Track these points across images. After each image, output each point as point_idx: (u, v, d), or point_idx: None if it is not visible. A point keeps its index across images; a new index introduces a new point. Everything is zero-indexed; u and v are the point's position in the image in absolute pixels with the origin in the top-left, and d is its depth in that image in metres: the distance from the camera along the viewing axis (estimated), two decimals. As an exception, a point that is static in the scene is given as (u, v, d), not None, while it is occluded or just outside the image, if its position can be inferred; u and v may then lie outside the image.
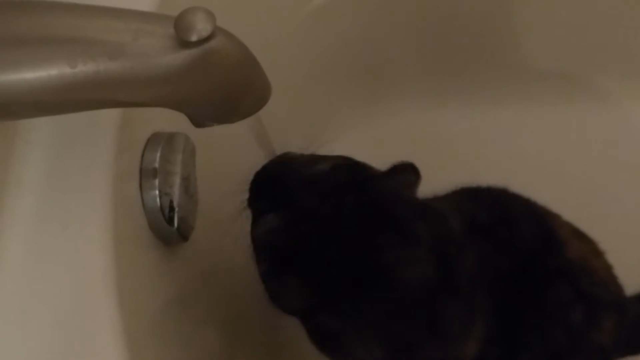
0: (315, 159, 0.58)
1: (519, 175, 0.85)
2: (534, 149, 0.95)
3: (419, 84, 0.98)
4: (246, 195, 0.58)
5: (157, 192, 0.55)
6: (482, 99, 0.97)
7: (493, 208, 0.67)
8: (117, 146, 0.52)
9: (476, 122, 0.97)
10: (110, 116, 0.52)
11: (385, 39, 0.95)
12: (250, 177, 0.58)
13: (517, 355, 0.62)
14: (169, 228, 0.56)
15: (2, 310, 0.46)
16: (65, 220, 0.49)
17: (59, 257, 0.48)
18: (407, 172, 0.57)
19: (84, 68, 0.39)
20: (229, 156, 0.68)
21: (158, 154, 0.55)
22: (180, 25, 0.38)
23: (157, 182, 0.55)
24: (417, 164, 0.58)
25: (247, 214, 0.58)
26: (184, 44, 0.39)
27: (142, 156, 0.55)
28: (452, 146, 0.94)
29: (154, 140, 0.56)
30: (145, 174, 0.55)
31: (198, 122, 0.45)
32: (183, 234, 0.58)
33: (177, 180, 0.57)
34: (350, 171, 0.57)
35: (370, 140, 0.96)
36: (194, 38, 0.38)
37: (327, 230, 0.54)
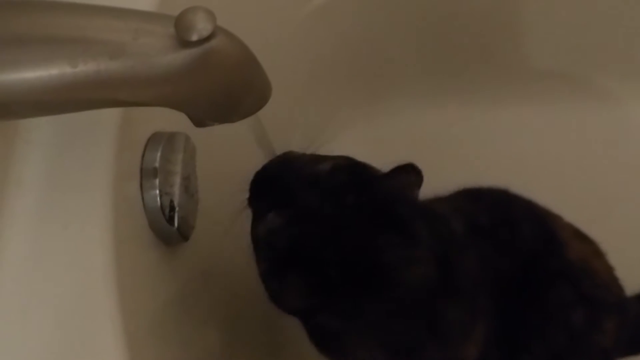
0: (317, 158, 0.58)
1: (519, 175, 0.85)
2: (534, 149, 0.95)
3: (419, 84, 0.98)
4: (247, 195, 0.58)
5: (157, 191, 0.55)
6: (482, 98, 0.97)
7: (494, 210, 0.67)
8: (117, 146, 0.52)
9: (476, 122, 0.97)
10: (110, 116, 0.52)
11: (385, 39, 0.95)
12: (251, 177, 0.58)
13: (518, 357, 0.62)
14: (170, 228, 0.56)
15: (2, 310, 0.46)
16: (66, 219, 0.49)
17: (60, 256, 0.48)
18: (409, 173, 0.57)
19: (85, 67, 0.39)
20: (230, 156, 0.68)
21: (158, 154, 0.55)
22: (180, 25, 0.38)
23: (157, 181, 0.55)
24: (417, 163, 0.58)
25: (248, 213, 0.58)
26: (185, 43, 0.39)
27: (143, 156, 0.55)
28: (452, 146, 0.94)
29: (154, 139, 0.56)
30: (146, 173, 0.55)
31: (198, 122, 0.45)
32: (183, 234, 0.58)
33: (177, 180, 0.57)
34: (351, 171, 0.57)
35: (370, 140, 0.96)
36: (194, 38, 0.38)
37: (328, 230, 0.54)
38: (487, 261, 0.61)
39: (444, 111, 0.98)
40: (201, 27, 0.38)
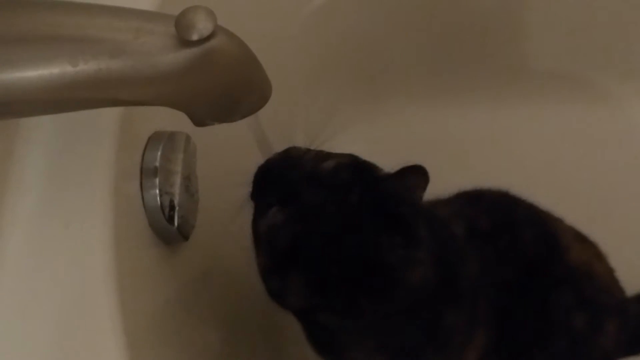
0: (321, 156, 0.57)
1: (519, 175, 0.85)
2: (534, 149, 0.95)
3: (419, 84, 0.98)
4: (249, 189, 0.57)
5: (157, 191, 0.55)
6: (482, 98, 0.97)
7: (495, 213, 0.67)
8: (118, 145, 0.52)
9: (476, 122, 0.97)
10: (111, 115, 0.52)
11: (386, 39, 0.95)
12: (254, 171, 0.58)
13: None
14: (170, 227, 0.56)
15: (2, 308, 0.46)
16: (66, 218, 0.49)
17: (60, 255, 0.48)
18: (416, 175, 0.56)
19: (85, 66, 0.39)
20: (230, 155, 0.68)
21: (159, 153, 0.55)
22: (181, 24, 0.38)
23: (157, 181, 0.55)
24: (418, 163, 0.58)
25: (248, 211, 0.57)
26: (185, 42, 0.39)
27: (143, 155, 0.55)
28: (452, 146, 0.94)
29: (155, 139, 0.56)
30: (146, 172, 0.55)
31: (199, 121, 0.45)
32: (183, 233, 0.58)
33: (177, 180, 0.57)
34: (355, 170, 0.56)
35: (370, 139, 0.96)
36: (194, 37, 0.38)
37: (330, 228, 0.53)
38: (488, 265, 0.61)
39: (444, 111, 0.98)
40: (201, 26, 0.38)
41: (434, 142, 0.94)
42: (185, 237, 0.58)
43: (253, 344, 0.75)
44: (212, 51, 0.39)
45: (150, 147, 0.56)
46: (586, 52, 0.95)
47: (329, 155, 0.58)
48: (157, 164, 0.55)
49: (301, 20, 0.86)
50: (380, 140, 0.97)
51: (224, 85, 0.42)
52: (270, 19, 0.80)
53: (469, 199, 0.69)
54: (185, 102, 0.43)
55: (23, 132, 0.51)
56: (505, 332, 0.61)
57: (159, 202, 0.55)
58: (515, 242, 0.64)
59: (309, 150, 0.59)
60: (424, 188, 0.57)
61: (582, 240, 0.69)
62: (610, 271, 0.69)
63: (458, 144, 0.95)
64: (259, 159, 0.58)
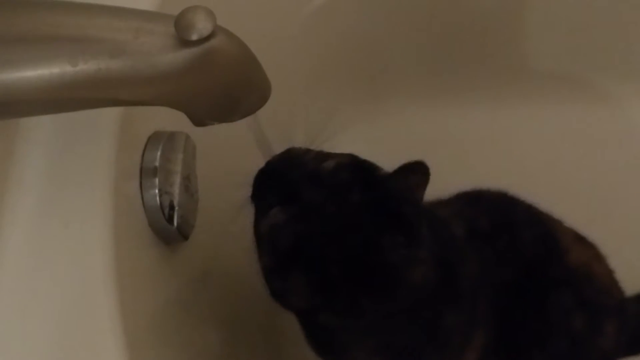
0: (321, 156, 0.57)
1: (519, 175, 0.85)
2: (534, 149, 0.95)
3: (419, 84, 0.98)
4: (249, 190, 0.57)
5: (157, 190, 0.55)
6: (482, 98, 0.97)
7: (495, 214, 0.67)
8: (117, 145, 0.52)
9: (476, 122, 0.97)
10: (111, 115, 0.52)
11: (386, 39, 0.95)
12: (254, 172, 0.58)
13: None
14: (169, 227, 0.56)
15: (2, 308, 0.46)
16: (66, 218, 0.49)
17: (60, 255, 0.48)
18: (417, 172, 0.56)
19: (85, 66, 0.39)
20: (230, 155, 0.68)
21: (159, 153, 0.55)
22: (180, 24, 0.38)
23: (157, 180, 0.55)
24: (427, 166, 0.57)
25: (249, 211, 0.57)
26: (185, 42, 0.39)
27: (143, 155, 0.55)
28: (452, 146, 0.94)
29: (154, 139, 0.56)
30: (146, 172, 0.55)
31: (198, 121, 0.45)
32: (183, 233, 0.58)
33: (177, 179, 0.56)
34: (356, 169, 0.56)
35: (370, 139, 0.96)
36: (194, 37, 0.38)
37: (332, 228, 0.53)
38: (488, 266, 0.61)
39: (444, 111, 0.98)
40: (201, 26, 0.38)
41: (434, 142, 0.94)
42: (185, 237, 0.58)
43: (253, 344, 0.75)
44: (211, 51, 0.39)
45: (150, 147, 0.56)
46: (586, 53, 0.95)
47: (329, 155, 0.58)
48: (157, 163, 0.55)
49: (301, 20, 0.86)
50: (380, 140, 0.97)
51: (224, 85, 0.42)
52: (270, 19, 0.80)
53: (468, 199, 0.69)
54: (185, 102, 0.43)
55: (23, 132, 0.51)
56: (504, 333, 0.61)
57: (158, 202, 0.55)
58: (515, 243, 0.64)
59: (309, 150, 0.58)
60: (425, 186, 0.57)
61: (582, 241, 0.69)
62: (609, 272, 0.69)
63: (458, 144, 0.95)
64: (259, 159, 0.58)
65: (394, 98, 0.98)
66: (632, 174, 0.91)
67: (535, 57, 0.97)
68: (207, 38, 0.39)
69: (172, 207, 0.56)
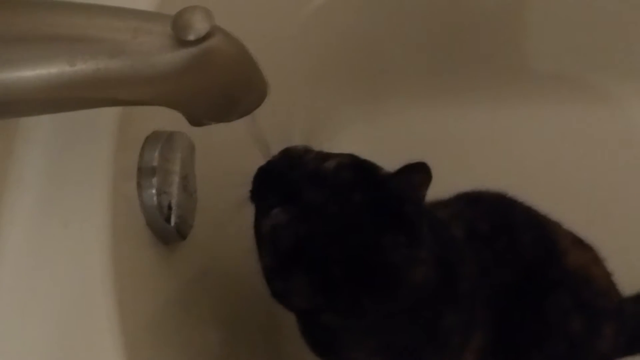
0: (323, 156, 0.57)
1: (519, 175, 0.85)
2: (534, 149, 0.95)
3: (419, 84, 0.98)
4: (248, 190, 0.57)
5: (154, 190, 0.55)
6: (482, 98, 0.97)
7: (494, 216, 0.67)
8: (116, 144, 0.52)
9: (476, 122, 0.97)
10: (110, 114, 0.52)
11: (386, 39, 0.95)
12: (254, 172, 0.57)
13: None
14: (167, 226, 0.56)
15: (1, 307, 0.47)
16: (65, 218, 0.49)
17: (59, 254, 0.48)
18: (419, 173, 0.56)
19: (84, 66, 0.40)
20: (229, 155, 0.68)
21: (157, 153, 0.55)
22: (177, 25, 0.39)
23: (155, 180, 0.55)
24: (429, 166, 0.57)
25: (248, 211, 0.57)
26: (182, 42, 0.39)
27: (141, 154, 0.55)
28: (452, 146, 0.94)
29: (153, 138, 0.56)
30: (144, 172, 0.55)
31: (195, 121, 0.45)
32: (181, 233, 0.58)
33: (175, 179, 0.56)
34: (357, 169, 0.56)
35: (370, 139, 0.96)
36: (191, 37, 0.38)
37: (334, 228, 0.53)
38: (487, 268, 0.61)
39: (444, 111, 0.98)
40: (198, 26, 0.38)
41: (434, 142, 0.94)
42: (183, 237, 0.58)
43: (252, 344, 0.75)
44: (209, 51, 0.39)
45: (148, 147, 0.56)
46: (586, 52, 0.95)
47: (329, 155, 0.57)
48: (155, 163, 0.55)
49: (301, 20, 0.86)
50: (380, 140, 0.97)
51: (222, 85, 0.43)
52: (269, 19, 0.80)
53: (467, 201, 0.69)
54: (183, 102, 0.43)
55: (22, 131, 0.52)
56: (502, 335, 0.61)
57: (156, 202, 0.55)
58: (514, 245, 0.64)
59: (308, 149, 0.58)
60: (427, 186, 0.57)
61: (580, 243, 0.69)
62: (607, 274, 0.69)
63: (458, 144, 0.95)
64: (258, 159, 0.58)
65: (394, 98, 0.98)
66: (632, 174, 0.91)
67: (535, 57, 0.97)
68: (204, 38, 0.39)
69: (170, 207, 0.56)
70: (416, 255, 0.54)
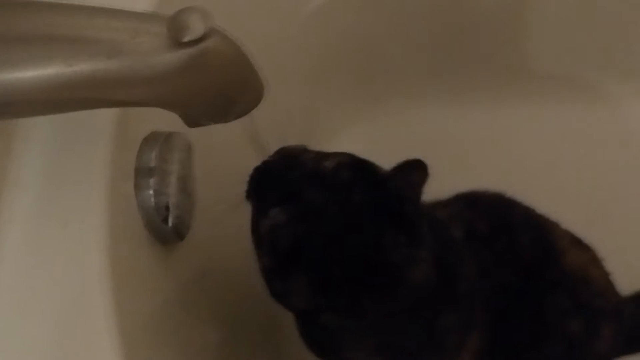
0: (321, 155, 0.57)
1: (519, 175, 0.85)
2: (534, 149, 0.95)
3: (419, 84, 0.98)
4: (245, 189, 0.57)
5: (152, 191, 0.55)
6: (482, 98, 0.97)
7: (492, 217, 0.67)
8: (115, 145, 0.52)
9: (476, 122, 0.97)
10: (109, 115, 0.52)
11: (386, 39, 0.95)
12: (250, 172, 0.57)
13: None
14: (165, 227, 0.56)
15: (-1, 307, 0.47)
16: (64, 218, 0.49)
17: (57, 254, 0.48)
18: (416, 170, 0.56)
19: (81, 67, 0.40)
20: (228, 156, 0.67)
21: (155, 153, 0.55)
22: (173, 26, 0.39)
23: (152, 181, 0.55)
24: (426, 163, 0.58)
25: (247, 210, 0.57)
26: (180, 44, 0.39)
27: (139, 155, 0.55)
28: (452, 146, 0.94)
29: (151, 139, 0.56)
30: (142, 173, 0.55)
31: (192, 122, 0.45)
32: (179, 234, 0.58)
33: (173, 180, 0.56)
34: (356, 169, 0.56)
35: (370, 139, 0.96)
36: (187, 38, 0.38)
37: (334, 228, 0.53)
38: (485, 269, 0.61)
39: (444, 111, 0.97)
40: (194, 27, 0.38)
41: (434, 142, 0.94)
42: (181, 237, 0.58)
43: (252, 344, 0.75)
44: (206, 52, 0.39)
45: (146, 148, 0.56)
46: (586, 52, 0.95)
47: (327, 155, 0.57)
48: (153, 164, 0.55)
49: (300, 20, 0.86)
50: (380, 140, 0.97)
51: (219, 86, 0.43)
52: (269, 19, 0.80)
53: (466, 201, 0.69)
54: (181, 103, 0.43)
55: (21, 131, 0.52)
56: (500, 336, 0.61)
57: (153, 203, 0.55)
58: (512, 245, 0.64)
59: (306, 149, 0.58)
60: (424, 184, 0.57)
61: (578, 244, 0.68)
62: (605, 275, 0.68)
63: (458, 144, 0.95)
64: (257, 160, 0.58)
65: (394, 98, 0.98)
66: (632, 174, 0.91)
67: (535, 57, 0.97)
68: (201, 39, 0.39)
69: (167, 208, 0.56)
70: (416, 255, 0.54)
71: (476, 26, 0.94)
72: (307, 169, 0.55)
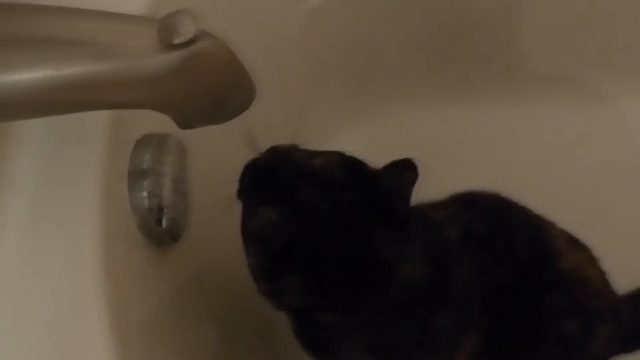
0: (312, 153, 0.57)
1: (518, 175, 0.85)
2: (533, 149, 0.95)
3: (419, 84, 0.98)
4: (237, 188, 0.57)
5: (145, 193, 0.55)
6: (482, 99, 0.97)
7: (489, 217, 0.66)
8: (109, 146, 0.52)
9: (476, 122, 0.97)
10: (102, 117, 0.52)
11: (386, 39, 0.95)
12: (241, 170, 0.57)
13: None
14: (159, 229, 0.56)
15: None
16: (59, 219, 0.49)
17: (51, 256, 0.48)
18: (406, 169, 0.56)
19: (72, 70, 0.40)
20: (222, 157, 0.67)
21: (149, 155, 0.55)
22: (164, 28, 0.39)
23: (146, 183, 0.55)
24: (417, 163, 0.57)
25: (240, 210, 0.57)
26: (170, 46, 0.39)
27: (132, 157, 0.56)
28: (451, 146, 0.94)
29: (144, 141, 0.56)
30: (135, 175, 0.55)
31: (184, 124, 0.45)
32: (173, 235, 0.58)
33: (167, 182, 0.56)
34: (347, 167, 0.56)
35: (369, 140, 0.96)
36: (176, 41, 0.39)
37: (326, 226, 0.53)
38: (481, 269, 0.61)
39: (444, 111, 0.97)
40: (183, 30, 0.38)
41: (434, 142, 0.94)
42: (175, 239, 0.58)
43: (249, 345, 0.75)
44: (196, 54, 0.40)
45: (140, 150, 0.56)
46: (585, 52, 0.95)
47: (318, 153, 0.57)
48: (146, 166, 0.55)
49: (300, 20, 0.86)
50: (380, 140, 0.97)
51: (210, 88, 0.43)
52: (268, 19, 0.80)
53: (463, 202, 0.68)
54: (173, 105, 0.44)
55: (15, 133, 0.52)
56: (496, 337, 0.61)
57: (146, 204, 0.55)
58: (508, 246, 0.64)
59: (296, 147, 0.58)
60: (415, 183, 0.57)
61: (575, 244, 0.68)
62: (602, 275, 0.68)
63: (457, 144, 0.95)
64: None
65: (394, 98, 0.98)
66: (631, 174, 0.91)
67: (534, 57, 0.97)
68: (191, 41, 0.39)
69: (161, 210, 0.56)
70: (406, 251, 0.54)
71: (475, 26, 0.94)
72: (298, 167, 0.56)
